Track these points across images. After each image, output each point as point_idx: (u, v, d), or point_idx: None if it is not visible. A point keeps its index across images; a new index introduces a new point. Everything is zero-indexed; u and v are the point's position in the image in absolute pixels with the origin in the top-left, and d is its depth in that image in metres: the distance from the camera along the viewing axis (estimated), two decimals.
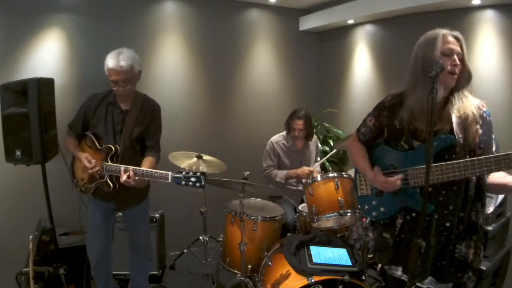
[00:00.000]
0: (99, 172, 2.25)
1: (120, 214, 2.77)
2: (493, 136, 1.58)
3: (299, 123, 3.19)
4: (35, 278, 2.48)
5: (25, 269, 2.56)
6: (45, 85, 2.50)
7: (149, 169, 2.14)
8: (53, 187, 2.60)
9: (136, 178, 2.12)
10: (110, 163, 2.23)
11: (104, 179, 2.26)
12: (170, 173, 2.09)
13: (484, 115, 1.55)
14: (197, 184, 2.06)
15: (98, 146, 2.30)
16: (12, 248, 3.00)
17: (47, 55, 3.34)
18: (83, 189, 2.39)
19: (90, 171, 2.23)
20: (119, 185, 2.24)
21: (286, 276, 2.23)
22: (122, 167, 2.15)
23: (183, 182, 2.07)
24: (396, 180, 1.58)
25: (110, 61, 2.16)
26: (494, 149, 1.56)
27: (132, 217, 2.50)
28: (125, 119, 2.31)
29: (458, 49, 1.50)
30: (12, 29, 3.21)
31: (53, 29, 3.35)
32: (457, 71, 1.49)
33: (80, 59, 3.44)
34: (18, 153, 2.49)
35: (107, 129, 2.31)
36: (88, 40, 3.44)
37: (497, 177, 1.53)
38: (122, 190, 2.29)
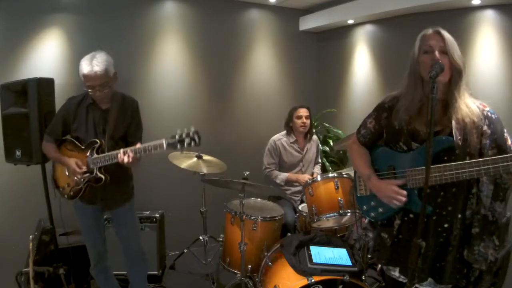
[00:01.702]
0: (87, 169, 2.22)
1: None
2: (506, 130, 1.53)
3: (302, 111, 3.24)
4: (35, 278, 2.49)
5: (25, 269, 2.57)
6: (45, 85, 2.50)
7: (142, 145, 2.10)
8: (53, 187, 2.60)
9: (137, 155, 2.11)
10: (96, 155, 2.21)
11: (94, 173, 2.23)
12: (163, 140, 2.04)
13: (489, 114, 1.52)
14: (192, 144, 2.02)
15: (81, 147, 2.27)
16: (12, 248, 3.00)
17: (47, 55, 3.34)
18: (71, 193, 2.32)
19: (79, 176, 2.19)
20: (108, 183, 2.24)
21: (286, 276, 2.23)
22: (113, 153, 2.13)
23: (178, 146, 2.03)
24: (405, 194, 1.54)
25: (84, 67, 2.12)
26: (510, 142, 1.52)
27: (120, 217, 2.46)
28: (107, 119, 2.28)
29: (440, 43, 1.48)
30: (12, 29, 3.21)
31: (53, 29, 3.35)
32: (444, 67, 1.46)
33: (80, 59, 3.40)
34: (18, 153, 2.49)
35: (89, 131, 2.27)
36: (88, 40, 3.44)
37: None
38: (109, 190, 2.29)
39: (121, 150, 2.11)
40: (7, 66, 3.20)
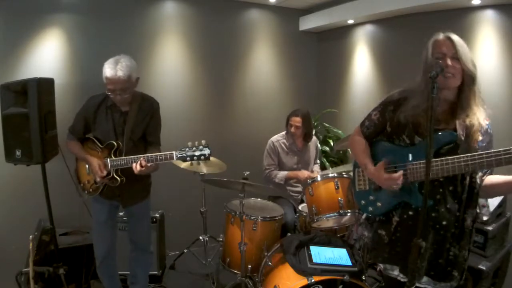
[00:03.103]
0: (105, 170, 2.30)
1: (121, 214, 2.79)
2: (492, 147, 1.59)
3: (296, 120, 3.23)
4: (35, 278, 2.49)
5: (25, 269, 2.56)
6: (45, 85, 2.50)
7: (153, 154, 2.18)
8: (53, 187, 2.60)
9: (149, 164, 2.17)
10: (114, 158, 2.28)
11: (111, 175, 2.30)
12: (174, 152, 2.13)
13: (487, 127, 1.57)
14: (202, 157, 2.10)
15: (100, 146, 2.35)
16: (12, 248, 3.00)
17: (47, 55, 3.34)
18: (90, 190, 2.40)
19: (98, 179, 2.28)
20: (126, 180, 2.30)
21: (286, 276, 2.23)
22: (129, 158, 2.21)
23: (188, 158, 2.11)
24: (399, 176, 1.57)
25: (108, 71, 2.15)
26: None
27: (135, 213, 2.53)
28: (126, 120, 2.33)
29: (452, 50, 1.50)
30: (12, 29, 3.21)
31: (53, 29, 3.35)
32: (451, 70, 1.48)
33: (80, 59, 3.45)
34: (18, 153, 2.48)
35: (109, 132, 2.33)
36: (88, 40, 3.44)
37: (495, 177, 1.55)
38: (127, 187, 2.35)
39: (141, 158, 2.17)
40: (7, 66, 3.20)
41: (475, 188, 1.57)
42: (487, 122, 1.58)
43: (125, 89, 2.21)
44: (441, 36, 1.53)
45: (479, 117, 1.53)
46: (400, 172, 1.58)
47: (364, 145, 1.79)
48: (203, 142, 2.13)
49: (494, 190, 1.58)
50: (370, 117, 1.78)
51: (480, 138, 1.54)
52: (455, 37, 1.51)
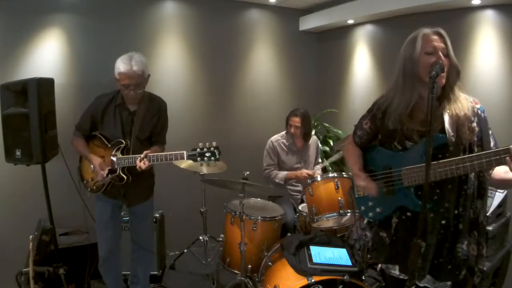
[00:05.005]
0: (111, 169, 2.31)
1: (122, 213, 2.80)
2: (490, 132, 1.57)
3: (295, 120, 3.23)
4: (35, 278, 2.49)
5: (25, 269, 2.57)
6: (45, 85, 2.50)
7: (164, 153, 2.21)
8: (53, 187, 2.60)
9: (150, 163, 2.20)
10: (121, 156, 2.29)
11: (117, 173, 2.31)
12: (185, 151, 2.16)
13: (479, 112, 1.55)
14: (212, 158, 2.15)
15: (107, 144, 2.36)
16: (12, 248, 3.00)
17: (47, 55, 3.34)
18: (94, 188, 2.41)
19: (99, 179, 2.30)
20: (131, 179, 2.31)
21: (286, 276, 2.23)
22: (137, 156, 2.22)
23: (198, 158, 2.15)
24: (374, 187, 1.66)
25: (122, 66, 2.17)
26: (492, 144, 1.55)
27: (138, 213, 2.55)
28: (134, 120, 2.34)
29: (442, 45, 1.49)
30: (12, 29, 3.21)
31: (53, 29, 3.35)
32: (444, 68, 1.47)
33: (80, 59, 3.45)
34: (18, 153, 2.48)
35: (117, 131, 2.35)
36: (88, 40, 3.44)
37: (498, 173, 1.52)
38: (132, 186, 2.36)
39: (139, 158, 2.19)
40: (7, 66, 3.20)
41: (483, 183, 1.54)
42: (478, 106, 1.56)
43: (139, 84, 2.23)
44: (431, 31, 1.52)
45: (464, 107, 1.51)
46: (374, 185, 1.68)
47: (356, 154, 1.82)
48: (213, 143, 2.18)
49: (498, 184, 1.56)
50: (362, 126, 1.79)
51: (477, 129, 1.51)
52: (444, 33, 1.51)
